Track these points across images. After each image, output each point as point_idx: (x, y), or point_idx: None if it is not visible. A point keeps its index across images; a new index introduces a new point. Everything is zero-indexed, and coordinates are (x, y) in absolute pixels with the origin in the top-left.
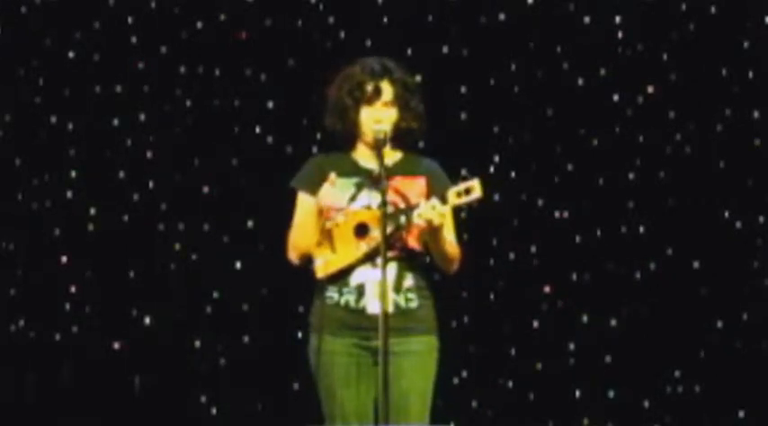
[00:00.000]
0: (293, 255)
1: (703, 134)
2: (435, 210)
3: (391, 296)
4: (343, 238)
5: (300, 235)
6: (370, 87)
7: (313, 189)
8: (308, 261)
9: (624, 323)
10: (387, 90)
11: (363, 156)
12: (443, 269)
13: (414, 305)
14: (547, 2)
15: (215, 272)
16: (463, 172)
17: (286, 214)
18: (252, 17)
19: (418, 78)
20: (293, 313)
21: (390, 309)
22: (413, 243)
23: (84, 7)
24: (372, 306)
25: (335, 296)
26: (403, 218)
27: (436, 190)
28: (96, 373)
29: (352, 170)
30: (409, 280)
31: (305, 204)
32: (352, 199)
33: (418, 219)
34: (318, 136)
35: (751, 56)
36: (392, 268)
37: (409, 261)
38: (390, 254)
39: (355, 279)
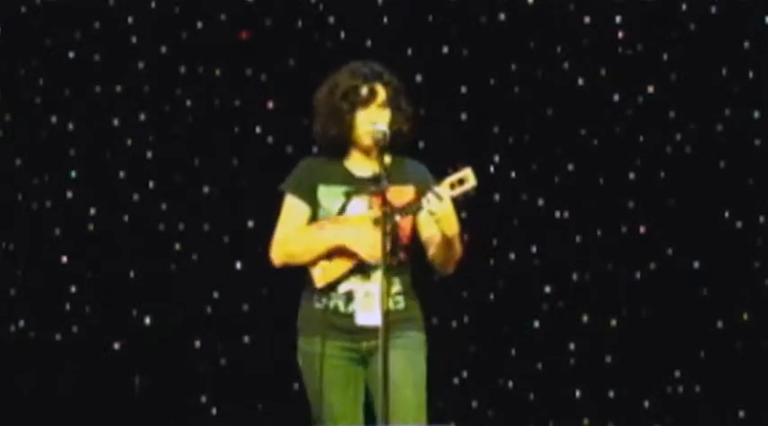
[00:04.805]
0: (279, 260)
1: (703, 134)
2: (440, 201)
3: (379, 303)
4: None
5: (296, 244)
6: (364, 90)
7: (306, 196)
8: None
9: (624, 323)
10: (381, 92)
11: (356, 164)
12: (441, 270)
13: (400, 306)
14: (547, 2)
15: (215, 272)
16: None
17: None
18: (252, 17)
19: (418, 78)
20: (293, 313)
21: (379, 317)
22: (401, 253)
23: (84, 7)
24: (361, 317)
25: (324, 300)
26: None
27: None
28: (96, 373)
29: (343, 178)
30: (396, 287)
31: (300, 211)
32: (342, 209)
33: (427, 211)
34: None
35: (751, 56)
36: (379, 277)
37: (396, 269)
38: (377, 264)
39: (344, 287)
